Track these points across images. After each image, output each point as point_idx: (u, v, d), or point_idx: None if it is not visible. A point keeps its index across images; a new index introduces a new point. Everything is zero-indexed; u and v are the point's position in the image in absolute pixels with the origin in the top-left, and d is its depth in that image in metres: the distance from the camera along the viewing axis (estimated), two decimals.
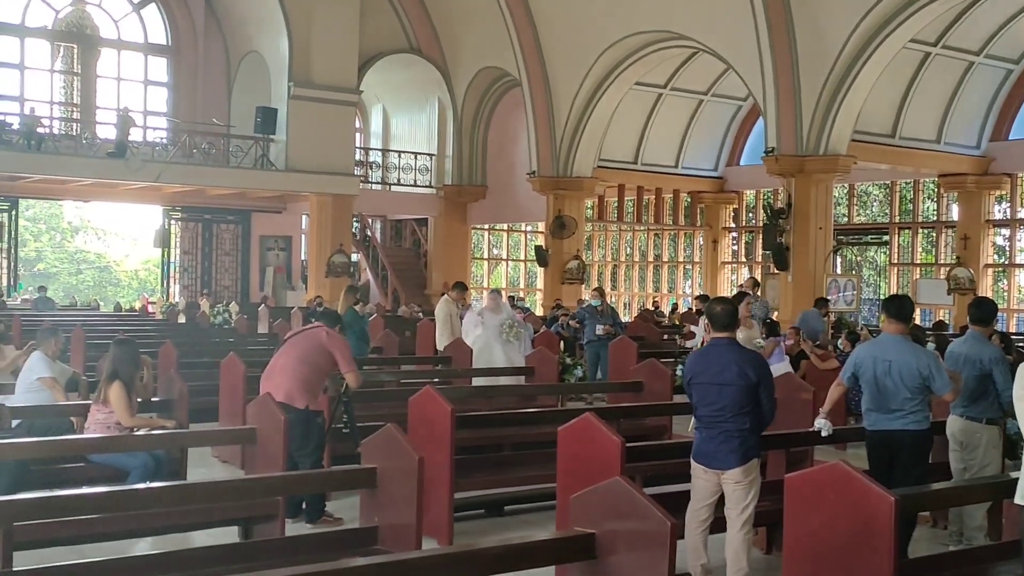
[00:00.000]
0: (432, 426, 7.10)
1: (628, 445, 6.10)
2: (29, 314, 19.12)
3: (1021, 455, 6.51)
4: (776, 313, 17.72)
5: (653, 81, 24.07)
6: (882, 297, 23.01)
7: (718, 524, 5.92)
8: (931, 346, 9.36)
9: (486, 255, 31.74)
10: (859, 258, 26.66)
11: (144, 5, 26.92)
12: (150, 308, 25.06)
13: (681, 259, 29.52)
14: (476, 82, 26.81)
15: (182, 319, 21.64)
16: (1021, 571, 5.39)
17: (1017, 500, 5.03)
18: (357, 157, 27.02)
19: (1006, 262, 22.89)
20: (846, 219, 25.30)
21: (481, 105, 27.56)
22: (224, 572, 5.27)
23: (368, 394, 9.78)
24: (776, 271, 19.90)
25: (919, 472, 6.29)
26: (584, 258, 24.91)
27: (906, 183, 24.31)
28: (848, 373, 6.57)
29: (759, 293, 14.37)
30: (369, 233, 29.26)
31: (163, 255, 27.96)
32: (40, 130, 22.17)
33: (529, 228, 31.04)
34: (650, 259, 29.80)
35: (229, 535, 6.58)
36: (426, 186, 28.27)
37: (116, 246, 48.13)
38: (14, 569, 4.82)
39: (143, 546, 6.45)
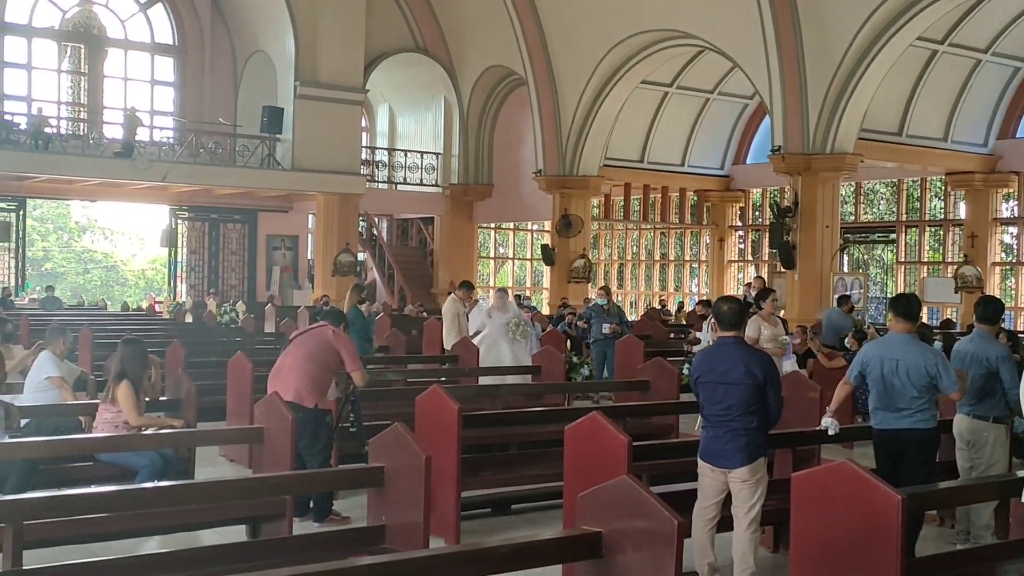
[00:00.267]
0: (439, 425, 7.11)
1: (635, 444, 6.09)
2: (37, 314, 19.19)
3: None
4: (783, 311, 17.68)
5: (659, 79, 24.05)
6: (889, 296, 22.99)
7: (725, 523, 5.92)
8: (938, 344, 9.34)
9: (492, 254, 31.74)
10: (866, 256, 26.62)
11: (151, 5, 26.98)
12: (157, 308, 25.13)
13: (687, 258, 29.49)
14: (482, 81, 26.81)
15: (189, 318, 21.68)
16: None
17: None
18: (363, 156, 27.06)
19: (1014, 260, 22.83)
20: (853, 217, 25.26)
21: (487, 104, 27.57)
22: (232, 571, 5.28)
23: (375, 393, 9.79)
24: (783, 270, 19.88)
25: (926, 471, 6.29)
26: (590, 257, 24.89)
27: (913, 181, 24.25)
28: (855, 372, 6.56)
29: None
30: (375, 232, 29.27)
31: (170, 254, 28.00)
32: (47, 130, 22.24)
33: (535, 227, 31.02)
34: (656, 258, 29.77)
35: (237, 534, 6.61)
36: (432, 185, 28.28)
37: (123, 246, 48.23)
38: (24, 568, 4.84)
39: (151, 545, 6.46)
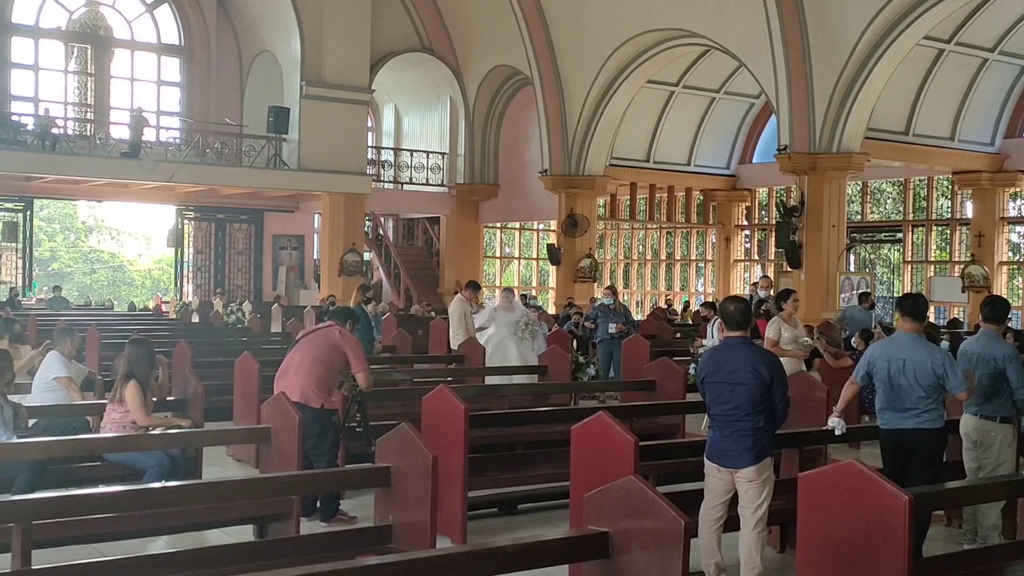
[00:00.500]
0: (446, 425, 7.11)
1: (641, 444, 6.09)
2: (44, 314, 19.22)
3: None
4: None
5: (665, 79, 24.02)
6: (896, 295, 22.93)
7: (732, 523, 5.92)
8: (945, 344, 9.31)
9: (498, 253, 31.75)
10: (873, 256, 26.57)
11: (157, 6, 27.03)
12: (164, 307, 25.16)
13: (693, 257, 29.46)
14: (488, 80, 26.82)
15: (196, 318, 21.72)
16: None
17: None
18: (369, 156, 27.07)
19: (1021, 259, 22.79)
20: (859, 217, 25.20)
21: (493, 103, 27.57)
22: (239, 570, 5.28)
23: (382, 393, 9.80)
24: (789, 269, 19.85)
25: (933, 471, 6.28)
26: (596, 256, 24.89)
27: (920, 180, 24.20)
28: (862, 372, 6.55)
29: (772, 292, 14.31)
30: (381, 232, 29.30)
31: (176, 254, 28.05)
32: (54, 130, 22.28)
33: (541, 226, 31.03)
34: (662, 257, 29.75)
35: (244, 533, 6.62)
36: (438, 185, 28.30)
37: (130, 246, 48.36)
38: (32, 567, 4.86)
39: (159, 544, 6.48)
